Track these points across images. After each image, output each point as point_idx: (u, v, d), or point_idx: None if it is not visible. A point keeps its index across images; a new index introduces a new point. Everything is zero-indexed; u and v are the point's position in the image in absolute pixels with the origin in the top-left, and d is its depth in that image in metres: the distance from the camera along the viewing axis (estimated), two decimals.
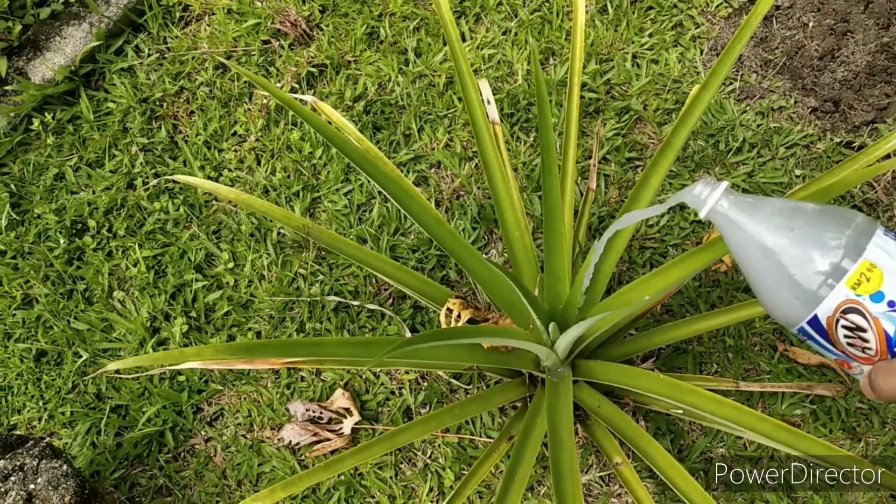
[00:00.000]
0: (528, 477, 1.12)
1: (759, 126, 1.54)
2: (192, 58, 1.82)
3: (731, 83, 1.60)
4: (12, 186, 1.71)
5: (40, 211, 1.68)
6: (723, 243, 1.05)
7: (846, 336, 0.53)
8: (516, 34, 1.73)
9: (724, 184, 0.59)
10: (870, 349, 0.53)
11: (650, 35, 1.69)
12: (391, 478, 1.37)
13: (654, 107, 1.59)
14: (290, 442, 1.41)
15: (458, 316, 1.16)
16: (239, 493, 1.39)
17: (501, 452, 1.24)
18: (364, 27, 1.78)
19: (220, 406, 1.48)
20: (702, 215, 0.60)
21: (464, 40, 1.76)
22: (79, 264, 1.64)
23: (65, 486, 1.10)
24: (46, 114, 1.76)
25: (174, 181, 1.68)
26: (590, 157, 1.52)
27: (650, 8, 1.72)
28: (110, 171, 1.72)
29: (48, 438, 1.47)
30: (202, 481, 1.42)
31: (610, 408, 1.20)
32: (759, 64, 1.60)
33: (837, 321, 0.53)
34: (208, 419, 1.47)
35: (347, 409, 1.41)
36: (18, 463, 1.12)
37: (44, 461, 1.12)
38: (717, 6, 1.69)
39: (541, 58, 1.70)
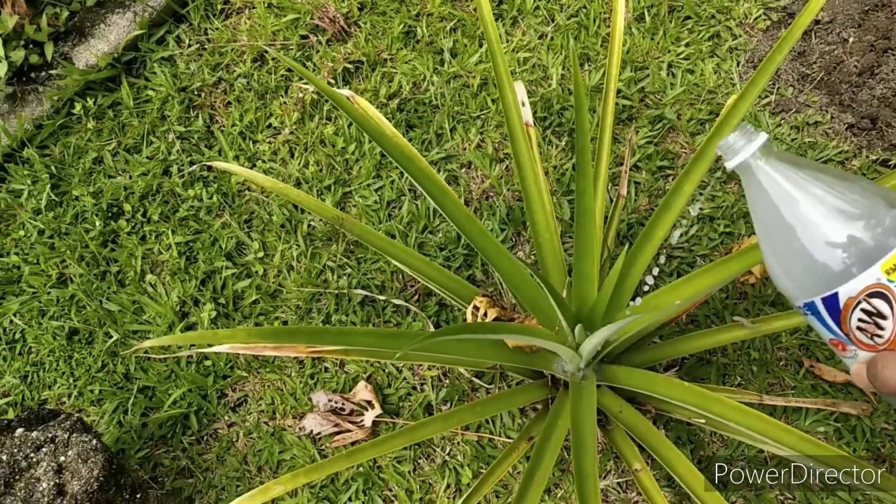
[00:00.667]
0: (547, 478, 1.13)
1: (793, 140, 1.54)
2: (232, 50, 1.86)
3: (766, 96, 1.59)
4: (53, 168, 1.76)
5: (78, 193, 1.73)
6: (755, 253, 1.06)
7: (860, 320, 0.50)
8: (552, 38, 1.74)
9: (764, 136, 0.54)
10: (880, 337, 0.50)
11: (687, 45, 1.69)
12: (409, 472, 1.39)
13: (687, 116, 1.60)
14: (312, 431, 1.44)
15: (485, 314, 1.17)
16: (259, 479, 1.42)
17: (520, 453, 1.26)
18: (401, 26, 1.80)
19: (244, 392, 1.51)
20: (730, 166, 0.56)
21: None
22: (113, 247, 1.68)
23: (94, 459, 1.13)
24: (88, 99, 1.81)
25: (209, 168, 1.71)
26: (621, 164, 1.53)
27: (688, 18, 1.73)
28: (147, 158, 1.76)
29: (78, 414, 1.51)
30: (223, 465, 1.45)
31: (632, 413, 1.21)
32: (796, 78, 1.60)
33: (858, 304, 0.50)
34: (232, 405, 1.50)
35: (369, 402, 1.43)
36: (50, 435, 1.15)
37: (74, 434, 1.16)
38: (756, 18, 1.69)
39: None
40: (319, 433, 1.44)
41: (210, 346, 0.99)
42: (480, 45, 1.77)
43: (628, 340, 1.26)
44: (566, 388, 1.27)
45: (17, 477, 1.11)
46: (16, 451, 1.13)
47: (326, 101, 1.76)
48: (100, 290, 1.62)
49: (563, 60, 1.71)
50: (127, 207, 1.70)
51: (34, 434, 1.15)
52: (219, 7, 1.92)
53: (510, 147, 1.25)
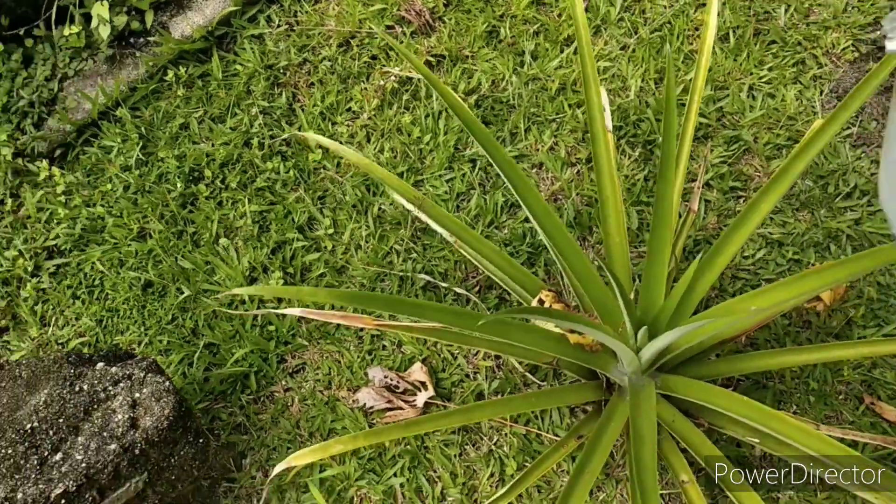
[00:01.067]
0: (595, 476, 1.17)
1: (872, 175, 1.53)
2: (319, 33, 1.93)
3: (849, 127, 1.59)
4: (142, 129, 1.85)
5: (164, 155, 1.81)
6: (832, 272, 1.07)
7: None
8: (634, 50, 1.77)
9: None
10: None
11: (770, 69, 1.70)
12: (455, 456, 1.43)
13: (764, 140, 1.61)
14: (365, 405, 1.49)
15: (550, 307, 1.21)
16: (310, 444, 1.48)
17: (567, 450, 1.28)
18: (485, 25, 1.85)
19: (302, 360, 1.57)
20: (891, 47, 0.52)
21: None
22: (191, 209, 1.76)
23: (166, 399, 1.20)
24: (181, 67, 1.90)
25: (288, 143, 1.78)
26: (693, 181, 1.55)
27: (773, 42, 1.73)
28: (230, 128, 1.84)
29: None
30: (277, 427, 1.52)
31: (685, 424, 1.23)
32: (880, 112, 1.60)
33: None
34: (290, 370, 1.57)
35: (423, 383, 1.48)
36: (128, 372, 1.23)
37: (150, 375, 1.23)
38: (844, 49, 1.69)
39: (655, 77, 1.73)
40: (372, 407, 1.49)
41: (290, 302, 1.05)
42: (561, 51, 1.80)
43: (687, 352, 1.28)
44: (620, 393, 1.30)
45: (96, 406, 1.19)
46: (96, 382, 1.21)
47: (406, 90, 1.82)
48: (176, 247, 1.71)
49: (643, 73, 1.73)
50: (207, 173, 1.78)
51: (113, 370, 1.23)
52: None
53: (590, 148, 1.28)
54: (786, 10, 1.75)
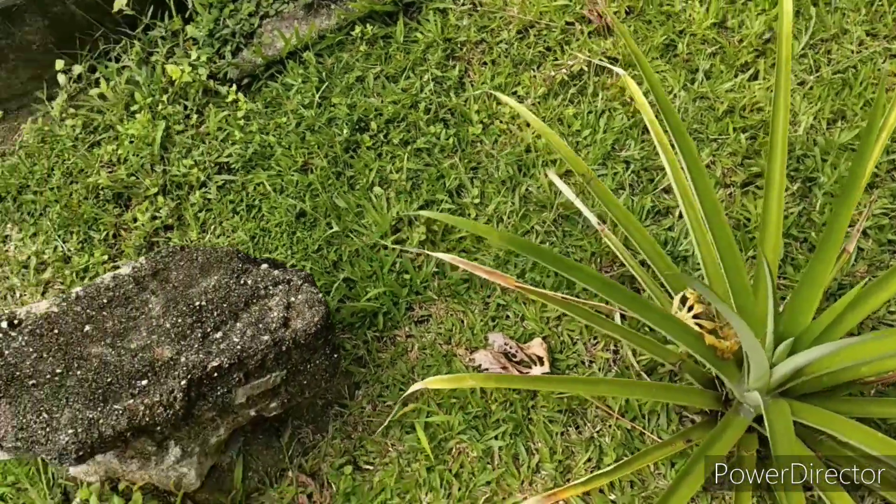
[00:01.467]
0: (700, 482, 1.19)
1: None
2: (500, 17, 2.03)
3: None
4: (322, 74, 2.01)
5: (337, 101, 1.96)
6: None
7: None
8: (811, 87, 1.77)
9: None
10: None
11: None
12: (557, 434, 1.49)
13: None
14: (480, 365, 1.57)
15: (691, 307, 1.24)
16: (420, 393, 1.57)
17: (671, 452, 1.31)
18: (664, 37, 1.89)
19: (428, 313, 1.67)
20: None
21: (755, 78, 1.83)
22: (353, 154, 1.90)
23: (316, 308, 1.32)
24: (367, 25, 2.05)
25: (452, 112, 1.89)
26: (852, 225, 1.53)
27: None
28: (401, 90, 1.97)
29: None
30: (393, 367, 1.62)
31: (805, 452, 1.23)
32: None
33: None
34: (415, 319, 1.67)
35: (540, 358, 1.54)
36: (288, 278, 1.36)
37: (306, 284, 1.35)
38: None
39: (829, 117, 1.72)
40: (487, 369, 1.56)
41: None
42: (736, 75, 1.82)
43: (816, 383, 1.28)
44: (736, 409, 1.31)
45: (255, 301, 1.32)
46: (259, 280, 1.34)
47: (575, 84, 1.89)
48: (333, 185, 1.85)
49: (817, 111, 1.73)
50: (373, 125, 1.92)
51: (275, 272, 1.36)
52: None
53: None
54: None
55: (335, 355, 1.40)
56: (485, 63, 1.99)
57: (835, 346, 1.00)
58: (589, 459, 1.46)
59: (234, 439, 1.50)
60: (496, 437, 1.50)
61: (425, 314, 1.67)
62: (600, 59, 1.89)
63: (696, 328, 1.20)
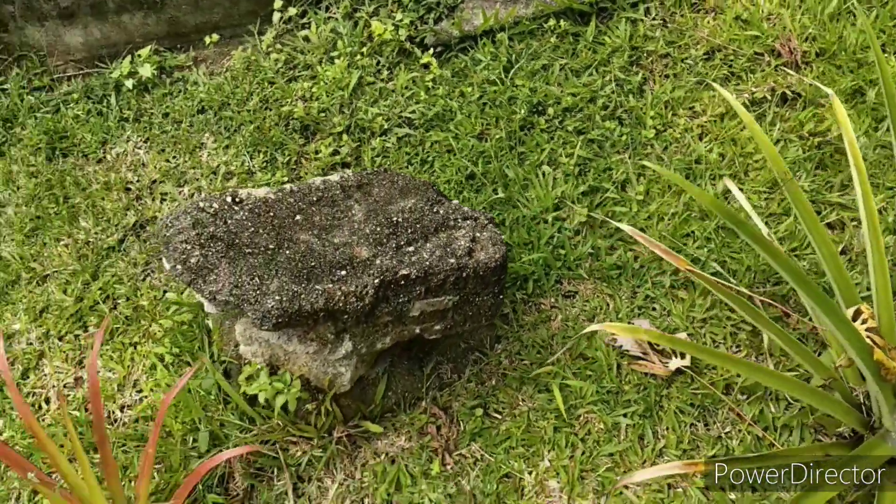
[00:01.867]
0: (834, 492, 1.23)
1: None
2: (689, 35, 2.12)
3: None
4: (511, 57, 2.15)
5: (520, 83, 2.09)
6: None
7: None
8: None
9: None
10: None
11: None
12: (686, 425, 1.54)
13: None
14: (621, 346, 1.64)
15: (865, 321, 1.28)
16: (557, 358, 1.66)
17: (805, 457, 1.34)
18: (853, 83, 1.93)
19: (576, 289, 1.76)
20: None
21: None
22: (528, 133, 2.02)
23: (498, 247, 1.43)
24: (561, 21, 2.18)
25: (629, 112, 1.99)
26: None
27: None
28: (583, 84, 2.08)
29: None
30: (534, 331, 1.71)
31: None
32: None
33: None
34: (562, 293, 1.76)
35: (682, 353, 1.60)
36: (475, 216, 1.48)
37: (490, 224, 1.47)
38: None
39: None
40: (627, 351, 1.63)
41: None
42: None
43: None
44: (881, 435, 1.33)
45: (444, 229, 1.45)
46: (450, 212, 1.47)
47: (754, 111, 1.95)
48: (506, 156, 1.97)
49: None
50: (550, 111, 2.03)
51: (464, 209, 1.49)
52: (691, 1, 2.20)
53: None
54: None
55: (500, 297, 1.51)
56: (667, 75, 2.08)
57: None
58: (714, 456, 1.50)
59: (382, 359, 1.62)
60: (625, 416, 1.57)
61: (573, 290, 1.76)
62: (784, 91, 1.95)
63: (868, 342, 1.24)
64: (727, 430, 1.53)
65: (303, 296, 1.31)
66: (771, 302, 1.60)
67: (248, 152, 2.09)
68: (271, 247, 1.37)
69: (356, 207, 1.48)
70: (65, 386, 1.74)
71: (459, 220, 1.48)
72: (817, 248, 1.47)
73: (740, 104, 1.95)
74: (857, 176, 1.52)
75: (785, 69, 2.01)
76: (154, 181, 2.05)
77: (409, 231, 1.44)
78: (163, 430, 1.63)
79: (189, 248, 1.35)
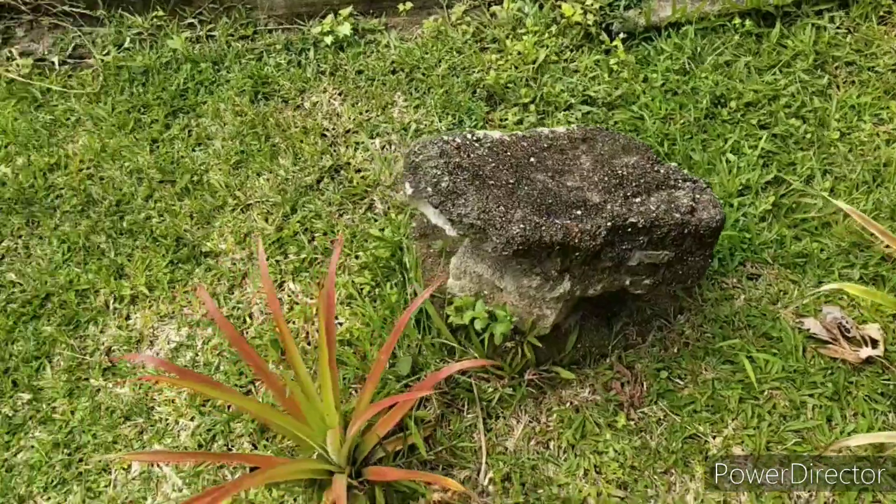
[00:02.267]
0: None
1: None
2: (877, 45, 2.16)
3: None
4: (694, 49, 2.22)
5: (703, 75, 2.16)
6: None
7: None
8: None
9: None
10: None
11: None
12: (879, 412, 1.57)
13: None
14: (809, 329, 1.68)
15: None
16: (736, 337, 1.71)
17: None
18: None
19: (760, 272, 1.81)
20: None
21: None
22: (710, 121, 2.09)
23: (717, 209, 1.48)
24: (747, 20, 2.24)
25: (820, 114, 2.03)
26: None
27: None
28: (766, 82, 2.14)
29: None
30: (717, 307, 1.77)
31: None
32: None
33: None
34: (746, 274, 1.81)
35: (875, 340, 1.64)
36: (694, 178, 1.55)
37: (708, 188, 1.54)
38: None
39: None
40: (815, 335, 1.68)
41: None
42: None
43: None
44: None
45: (664, 187, 1.52)
46: (670, 173, 1.55)
47: None
48: (690, 141, 2.04)
49: None
50: (732, 104, 2.10)
51: (684, 172, 1.57)
52: (881, 13, 2.24)
53: None
54: None
55: (710, 259, 1.57)
56: (852, 81, 2.12)
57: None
58: None
59: (574, 312, 1.70)
60: (811, 395, 1.61)
61: (756, 273, 1.82)
62: None
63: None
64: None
65: (543, 227, 1.40)
66: None
67: (437, 113, 2.21)
68: (511, 181, 1.48)
69: (583, 158, 1.57)
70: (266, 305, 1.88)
71: (679, 181, 1.55)
72: None
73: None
74: None
75: None
76: (348, 130, 2.19)
77: (634, 185, 1.52)
78: (359, 353, 1.74)
79: (439, 173, 1.46)
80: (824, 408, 1.60)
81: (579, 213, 1.45)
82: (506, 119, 2.15)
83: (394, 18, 2.45)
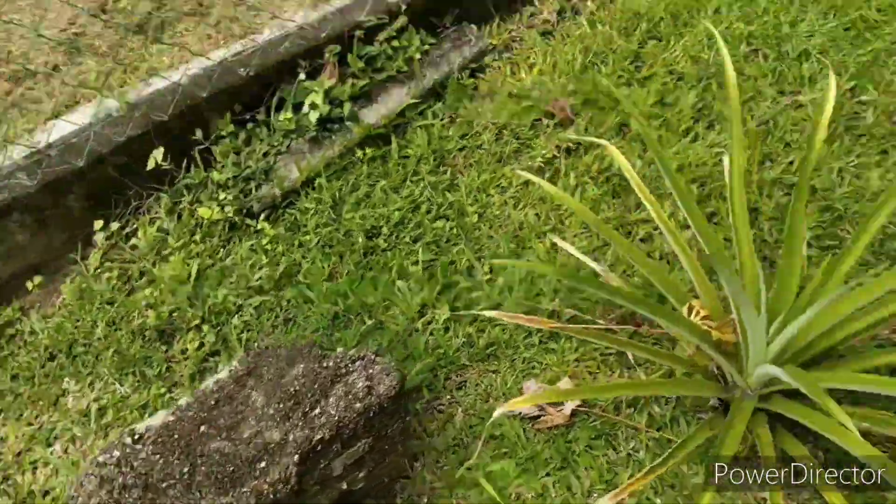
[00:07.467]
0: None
1: None
2: (476, 123, 2.55)
3: None
4: (335, 196, 2.46)
5: (349, 216, 2.40)
6: None
7: None
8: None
9: None
10: None
11: (857, 156, 2.17)
12: (600, 456, 1.82)
13: (853, 210, 2.06)
14: (521, 413, 1.91)
15: (697, 312, 1.65)
16: (473, 448, 1.90)
17: (699, 441, 1.67)
18: (617, 119, 2.42)
19: (465, 378, 2.03)
20: None
21: (695, 140, 2.35)
22: (372, 258, 2.32)
23: (392, 375, 1.65)
24: (367, 149, 2.54)
25: (451, 205, 2.34)
26: None
27: (862, 135, 2.22)
28: (403, 197, 2.43)
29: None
30: (444, 433, 1.94)
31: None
32: None
33: None
34: (455, 386, 2.02)
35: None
36: (361, 354, 1.71)
37: (378, 357, 1.71)
38: None
39: (759, 159, 2.23)
40: (526, 415, 1.91)
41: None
42: (679, 140, 2.34)
43: (815, 344, 1.66)
44: (741, 397, 1.69)
45: (339, 378, 1.67)
46: (339, 361, 1.70)
47: (548, 169, 2.38)
48: (360, 287, 2.24)
49: (749, 155, 2.23)
50: (385, 230, 2.35)
51: (350, 352, 1.73)
52: (469, 92, 2.65)
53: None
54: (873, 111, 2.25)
55: (407, 418, 1.74)
56: (470, 164, 2.48)
57: (817, 307, 1.41)
58: (631, 474, 1.78)
59: None
60: (548, 475, 1.83)
61: (462, 380, 2.03)
62: (568, 145, 2.39)
63: (705, 327, 1.61)
64: (632, 444, 1.83)
65: None
66: (623, 325, 1.97)
67: (115, 379, 2.20)
68: (185, 470, 1.52)
69: (254, 394, 1.67)
70: None
71: (350, 365, 1.70)
72: (639, 266, 1.85)
73: (536, 169, 2.38)
74: (642, 195, 1.94)
75: (560, 127, 2.47)
76: (19, 453, 2.10)
77: (310, 395, 1.64)
78: None
79: None
80: (562, 480, 1.82)
81: (264, 464, 1.53)
82: (186, 350, 2.21)
83: (26, 298, 2.41)
